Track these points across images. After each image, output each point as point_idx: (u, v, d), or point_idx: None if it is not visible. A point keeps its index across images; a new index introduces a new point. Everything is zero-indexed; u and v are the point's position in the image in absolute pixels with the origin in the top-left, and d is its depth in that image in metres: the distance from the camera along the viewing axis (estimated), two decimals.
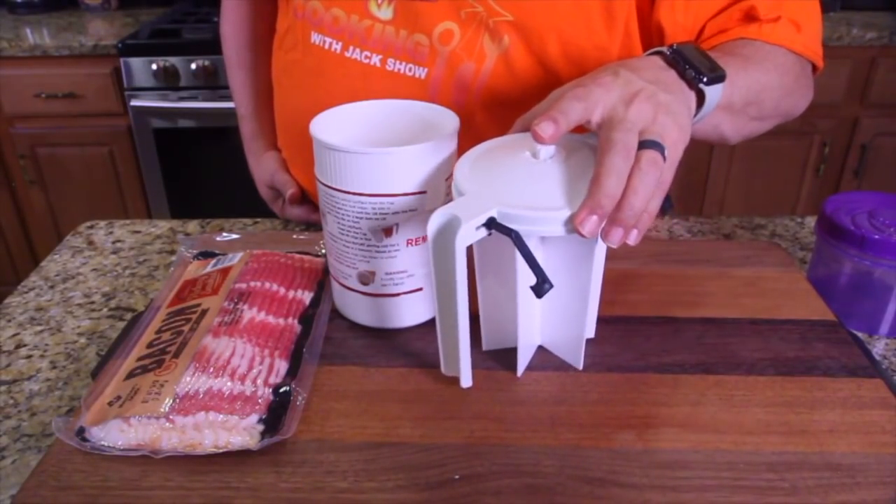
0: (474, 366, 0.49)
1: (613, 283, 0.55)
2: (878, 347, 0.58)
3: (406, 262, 0.52)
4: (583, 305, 0.48)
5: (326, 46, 0.70)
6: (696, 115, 0.52)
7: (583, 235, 0.41)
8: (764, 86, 0.61)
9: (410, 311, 0.55)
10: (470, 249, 0.44)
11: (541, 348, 0.53)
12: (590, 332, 0.54)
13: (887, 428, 0.45)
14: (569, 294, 0.48)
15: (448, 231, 0.43)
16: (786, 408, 0.47)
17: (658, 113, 0.45)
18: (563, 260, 0.47)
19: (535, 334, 0.53)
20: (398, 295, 0.53)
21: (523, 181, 0.45)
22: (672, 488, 0.41)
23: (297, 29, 0.73)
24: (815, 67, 0.67)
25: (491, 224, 0.43)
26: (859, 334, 0.58)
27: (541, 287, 0.42)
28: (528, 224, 0.42)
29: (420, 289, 0.54)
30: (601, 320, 0.54)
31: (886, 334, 0.59)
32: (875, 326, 0.59)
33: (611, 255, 0.51)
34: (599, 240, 0.43)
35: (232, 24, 0.89)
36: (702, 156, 1.95)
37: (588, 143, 0.48)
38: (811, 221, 0.78)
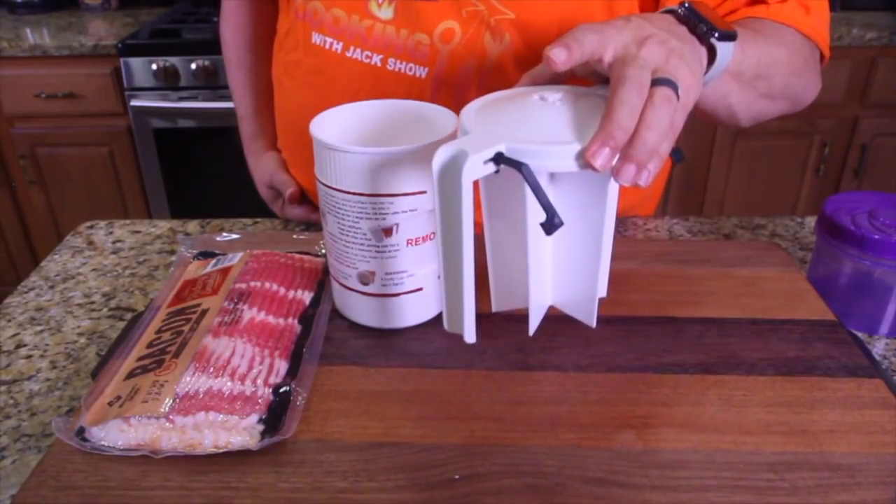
0: (474, 364, 0.49)
1: (613, 283, 0.55)
2: (878, 347, 0.58)
3: (406, 262, 0.52)
4: (595, 254, 0.47)
5: (327, 46, 0.70)
6: (706, 74, 0.51)
7: (595, 169, 0.40)
8: (774, 59, 0.61)
9: (410, 311, 0.55)
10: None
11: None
12: (602, 290, 0.52)
13: (887, 428, 0.45)
14: (581, 242, 0.47)
15: (454, 166, 0.41)
16: (786, 408, 0.47)
17: (671, 56, 0.45)
18: (574, 201, 0.46)
19: (546, 291, 0.51)
20: (398, 295, 0.53)
21: (532, 119, 0.44)
22: (672, 488, 0.41)
23: (297, 29, 0.73)
24: (822, 58, 0.67)
25: (499, 159, 0.41)
26: (859, 334, 0.58)
27: (551, 223, 0.40)
28: (537, 159, 0.41)
29: (420, 289, 0.54)
30: (601, 320, 0.54)
31: (886, 334, 0.59)
32: (875, 326, 0.59)
33: (611, 255, 0.51)
34: (611, 181, 0.42)
35: (232, 25, 0.89)
36: (702, 155, 1.95)
37: (597, 93, 0.47)
38: (811, 221, 0.78)
